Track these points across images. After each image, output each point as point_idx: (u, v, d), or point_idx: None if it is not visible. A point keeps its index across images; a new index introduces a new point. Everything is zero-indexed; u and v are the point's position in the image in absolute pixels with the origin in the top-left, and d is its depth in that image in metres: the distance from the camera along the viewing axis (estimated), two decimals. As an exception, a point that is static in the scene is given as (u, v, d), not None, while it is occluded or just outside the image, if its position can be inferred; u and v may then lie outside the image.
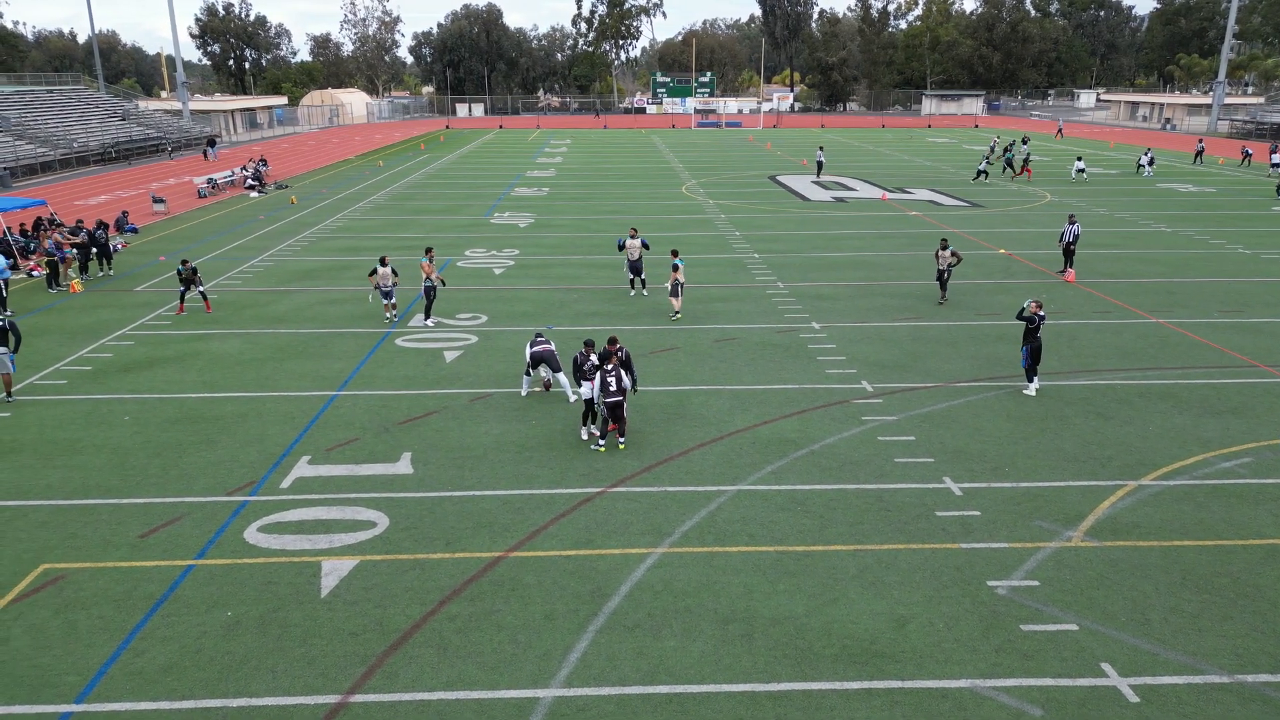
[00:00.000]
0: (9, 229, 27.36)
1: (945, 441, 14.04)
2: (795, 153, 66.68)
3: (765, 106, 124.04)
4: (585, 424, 14.37)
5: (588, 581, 10.25)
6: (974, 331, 20.23)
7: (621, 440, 13.88)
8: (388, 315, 21.08)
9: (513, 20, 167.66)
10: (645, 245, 23.49)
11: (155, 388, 16.63)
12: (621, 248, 23.52)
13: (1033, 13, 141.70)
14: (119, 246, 29.47)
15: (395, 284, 21.00)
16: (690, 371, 17.54)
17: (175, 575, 10.35)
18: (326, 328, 20.64)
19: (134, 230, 32.65)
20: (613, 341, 13.99)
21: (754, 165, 58.06)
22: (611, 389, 13.48)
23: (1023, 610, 9.64)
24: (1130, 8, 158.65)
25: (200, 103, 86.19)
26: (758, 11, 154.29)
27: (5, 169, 43.41)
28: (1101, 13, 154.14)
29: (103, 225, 26.30)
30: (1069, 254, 25.38)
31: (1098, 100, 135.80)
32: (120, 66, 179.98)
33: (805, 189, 45.71)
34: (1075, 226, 25.24)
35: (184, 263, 21.60)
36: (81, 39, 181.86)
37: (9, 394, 15.98)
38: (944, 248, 22.52)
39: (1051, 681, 8.53)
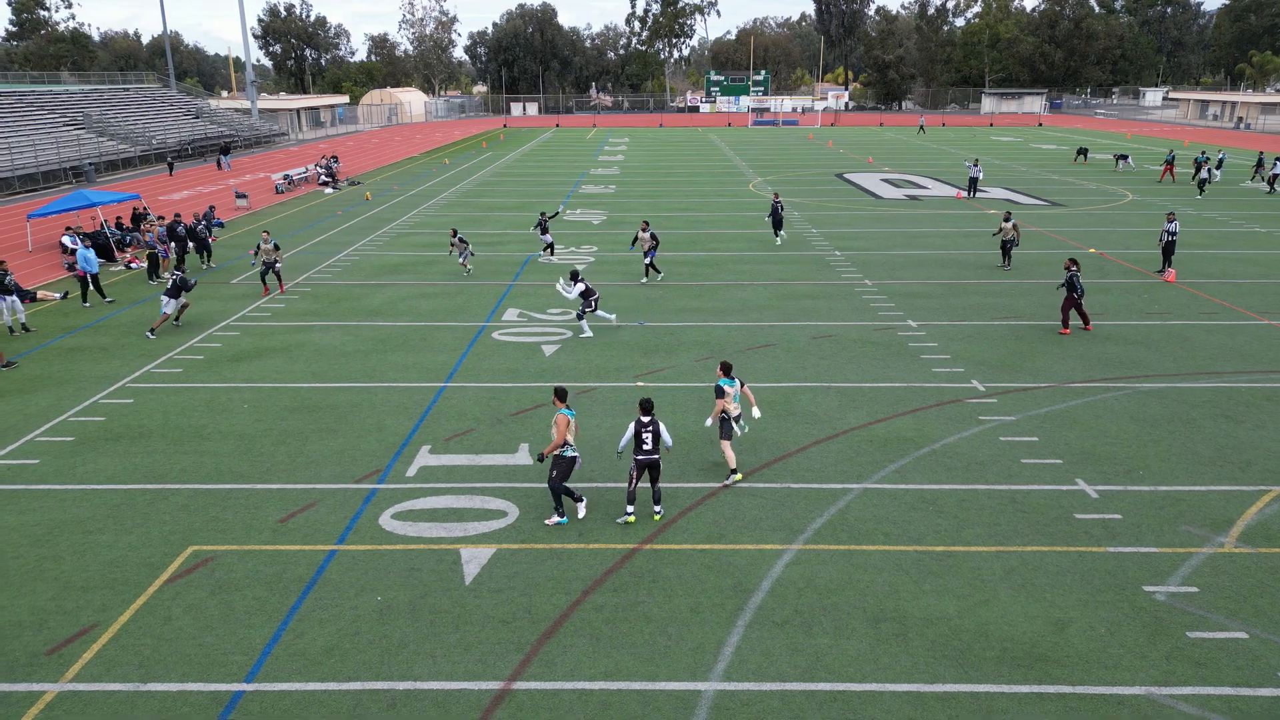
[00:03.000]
0: (105, 222, 28.16)
1: (1070, 443, 13.69)
2: (858, 150, 65.94)
3: (822, 105, 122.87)
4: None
5: (727, 576, 10.17)
6: (1078, 331, 19.73)
7: (659, 510, 11.53)
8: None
9: (566, 19, 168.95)
10: (655, 239, 24.55)
11: (268, 377, 16.95)
12: (635, 241, 24.89)
13: (1097, 9, 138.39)
14: (212, 240, 30.20)
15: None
16: (792, 368, 17.37)
17: (320, 560, 10.51)
18: (422, 320, 20.87)
19: (220, 225, 33.36)
20: (647, 407, 11.39)
21: (818, 163, 57.53)
22: (646, 446, 11.31)
23: (1186, 617, 9.33)
24: (1198, 4, 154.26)
25: (266, 101, 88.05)
26: (810, 10, 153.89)
27: (89, 164, 44.72)
28: (1168, 9, 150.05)
29: (205, 220, 26.97)
30: (1168, 253, 24.66)
31: (1164, 99, 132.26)
32: (183, 67, 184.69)
33: (876, 187, 45.14)
34: (1174, 225, 24.50)
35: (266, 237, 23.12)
36: (146, 40, 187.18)
37: (152, 331, 19.49)
38: (1006, 219, 25.75)
39: (1231, 691, 8.23)
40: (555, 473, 11.16)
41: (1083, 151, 56.60)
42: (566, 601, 9.68)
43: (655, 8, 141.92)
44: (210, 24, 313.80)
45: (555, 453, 11.10)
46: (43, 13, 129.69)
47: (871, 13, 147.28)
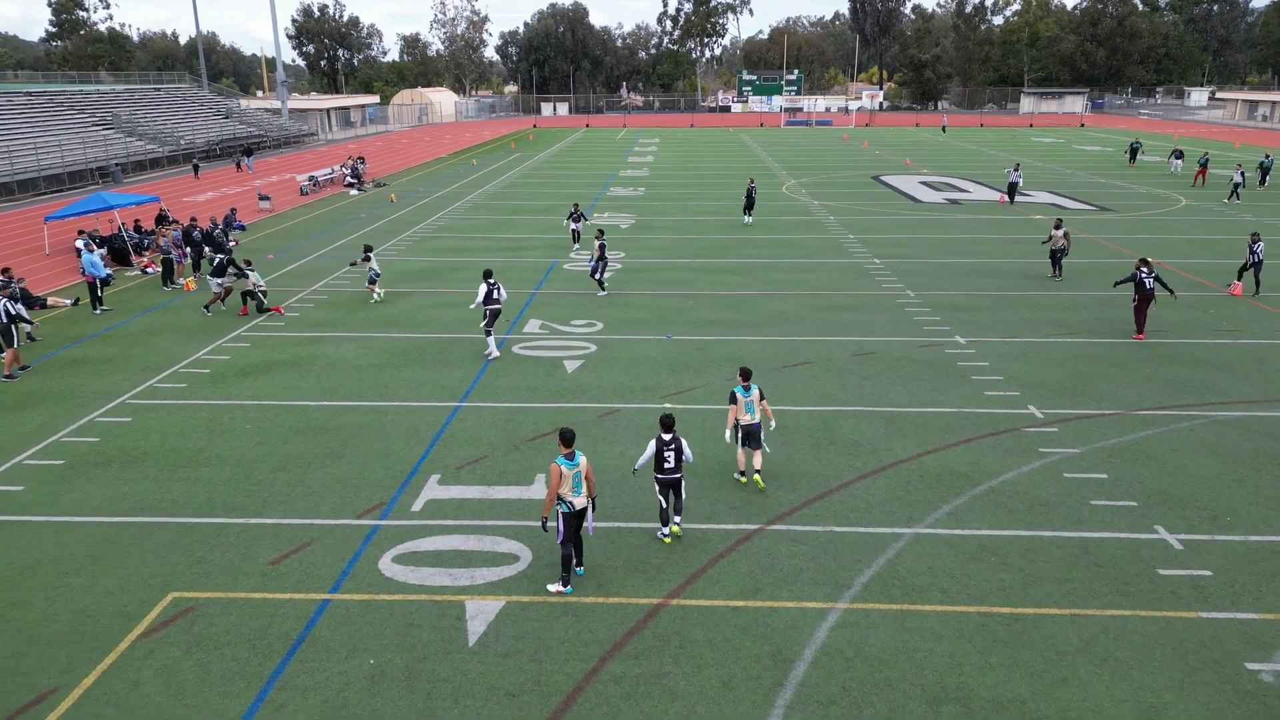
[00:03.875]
0: (123, 225, 27.55)
1: (1145, 481, 12.33)
2: (895, 152, 64.24)
3: (855, 104, 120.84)
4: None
5: (764, 641, 9.00)
6: (1143, 350, 18.28)
7: (678, 521, 10.95)
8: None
9: (598, 19, 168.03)
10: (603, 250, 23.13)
11: (274, 394, 16.03)
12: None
13: (1140, 7, 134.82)
14: (232, 244, 29.50)
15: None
16: (832, 390, 16.12)
17: (310, 611, 9.49)
18: (440, 332, 19.88)
19: (242, 228, 32.72)
20: (668, 424, 10.75)
21: (853, 165, 55.99)
22: (668, 465, 10.65)
23: (1302, 705, 8.02)
24: (1245, 1, 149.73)
25: (297, 101, 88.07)
26: (843, 8, 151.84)
27: (117, 165, 44.46)
28: (1215, 6, 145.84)
29: (224, 224, 26.25)
30: (1245, 271, 22.82)
31: (1210, 99, 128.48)
32: (219, 67, 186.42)
33: (914, 190, 43.59)
34: (1259, 246, 22.49)
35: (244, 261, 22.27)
36: (184, 40, 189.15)
37: (207, 307, 21.12)
38: (1057, 227, 24.36)
39: (1367, 806, 6.92)
40: (561, 534, 9.80)
41: (1134, 151, 54.29)
42: (581, 670, 8.57)
43: (687, 7, 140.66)
44: (248, 25, 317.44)
45: (555, 507, 9.82)
46: (81, 13, 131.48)
47: (907, 11, 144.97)
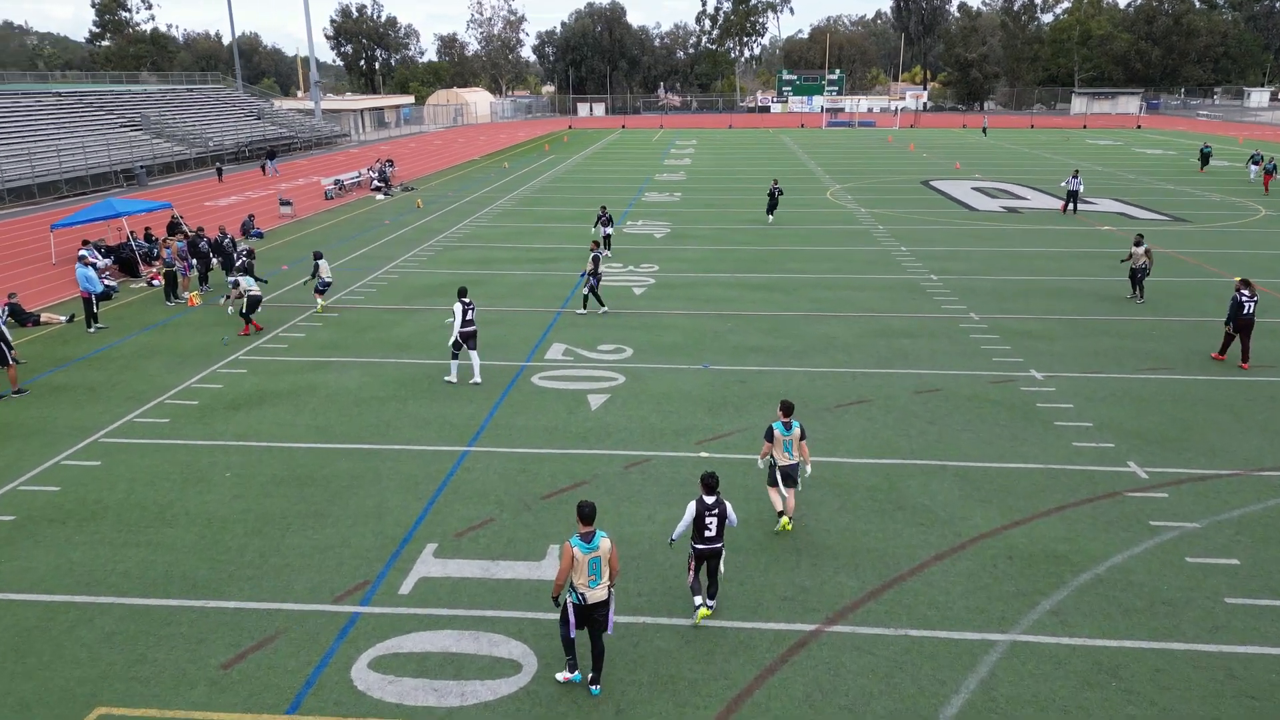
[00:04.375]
0: (132, 234, 26.21)
1: (1289, 572, 10.11)
2: (943, 155, 61.50)
3: (900, 105, 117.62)
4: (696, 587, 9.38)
5: (828, 801, 6.99)
6: (1254, 390, 15.92)
7: (711, 604, 9.34)
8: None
9: (635, 18, 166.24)
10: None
11: (263, 432, 14.32)
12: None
13: (1198, 4, 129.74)
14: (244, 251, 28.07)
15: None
16: (894, 437, 14.03)
17: (260, 741, 7.68)
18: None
19: (259, 235, 31.35)
20: (711, 485, 9.03)
21: (900, 169, 53.45)
22: (709, 533, 9.03)
23: None
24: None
25: (331, 102, 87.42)
26: (885, 7, 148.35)
27: (141, 168, 43.50)
28: (1276, 4, 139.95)
29: (240, 233, 24.76)
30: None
31: (1272, 99, 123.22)
32: (261, 67, 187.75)
33: (967, 196, 41.08)
34: None
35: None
36: (226, 40, 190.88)
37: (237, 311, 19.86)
38: (1138, 244, 22.01)
39: None
40: (569, 624, 8.13)
41: (1205, 157, 50.91)
42: (592, 844, 6.64)
43: (727, 6, 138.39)
44: (291, 26, 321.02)
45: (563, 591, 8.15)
46: (124, 14, 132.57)
47: (953, 9, 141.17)
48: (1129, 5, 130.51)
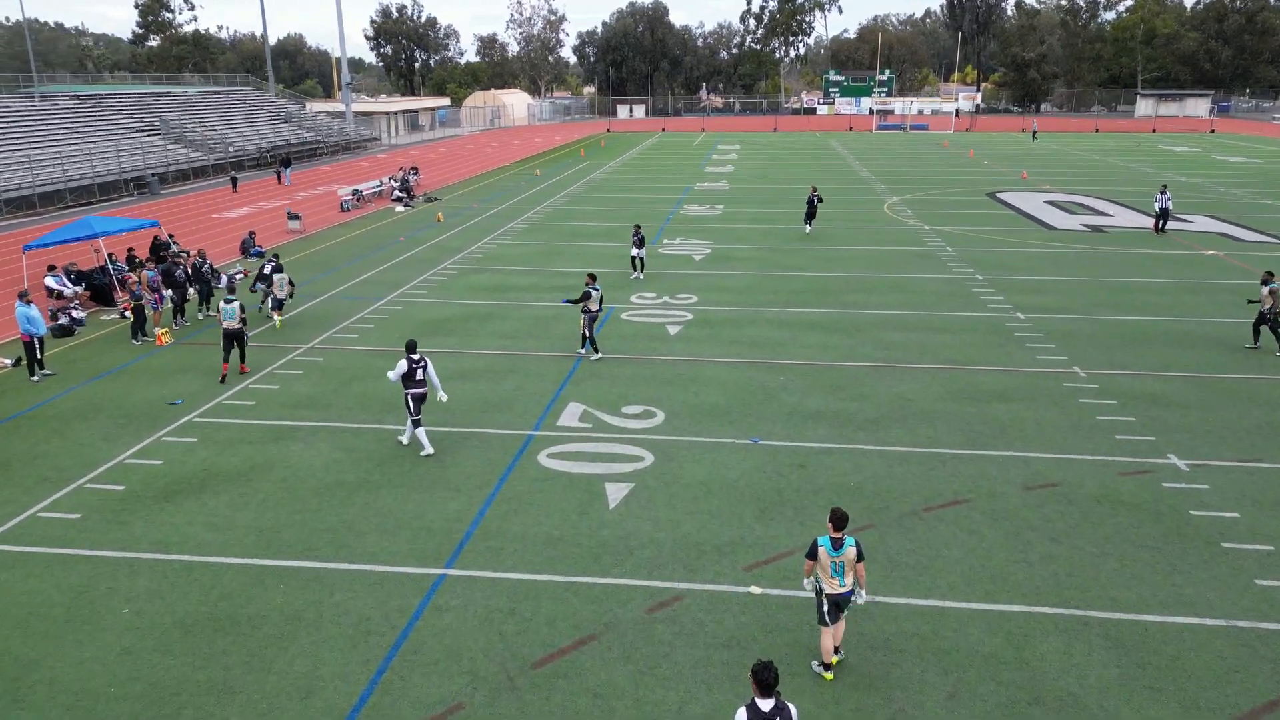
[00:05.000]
0: (111, 256, 23.51)
1: None
2: (1006, 162, 57.21)
3: (955, 107, 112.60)
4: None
5: None
6: None
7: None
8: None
9: (678, 18, 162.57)
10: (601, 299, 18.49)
11: (190, 539, 11.25)
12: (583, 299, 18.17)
13: (1273, 1, 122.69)
14: (240, 275, 25.29)
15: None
16: (1008, 565, 10.53)
17: None
18: (448, 424, 14.88)
19: (260, 254, 28.58)
20: (768, 683, 6.21)
21: (961, 177, 49.40)
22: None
23: None
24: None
25: (363, 104, 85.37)
26: (934, 5, 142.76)
27: (154, 175, 41.20)
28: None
29: (240, 252, 21.90)
30: None
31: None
32: (305, 68, 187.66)
33: (1041, 211, 37.07)
34: None
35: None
36: (272, 42, 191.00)
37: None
38: (1265, 283, 18.33)
39: None
40: None
41: None
42: None
43: (772, 4, 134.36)
44: (334, 27, 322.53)
45: None
46: (167, 15, 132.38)
47: (1009, 7, 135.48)
48: (1197, 3, 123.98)
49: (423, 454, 13.58)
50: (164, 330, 19.49)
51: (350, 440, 14.30)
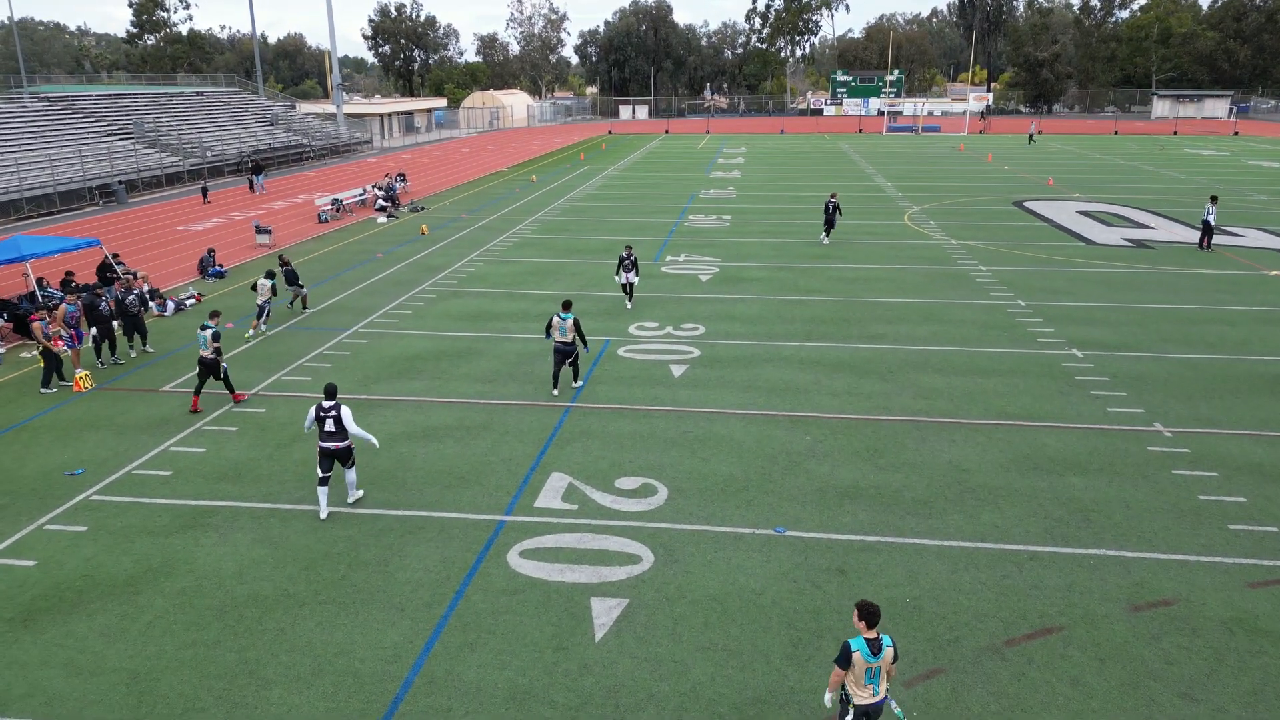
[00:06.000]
0: (41, 281, 20.78)
1: None
2: (1027, 167, 54.31)
3: (963, 107, 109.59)
4: None
5: None
6: None
7: None
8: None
9: (681, 17, 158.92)
10: (577, 326, 15.68)
11: (39, 692, 8.48)
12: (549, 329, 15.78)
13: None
14: (192, 300, 22.58)
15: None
16: (1135, 742, 7.76)
17: None
18: (404, 505, 12.09)
19: (220, 274, 25.86)
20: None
21: (983, 184, 46.52)
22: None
23: None
24: None
25: (356, 106, 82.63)
26: (941, 5, 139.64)
27: (120, 183, 38.45)
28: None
29: (147, 298, 19.12)
30: None
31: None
32: (305, 68, 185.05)
33: (1075, 223, 34.20)
34: None
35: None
36: (272, 41, 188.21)
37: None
38: None
39: None
40: None
41: None
42: None
43: (778, 3, 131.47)
44: (340, 27, 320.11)
45: None
46: (162, 14, 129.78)
47: (1020, 6, 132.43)
48: (1214, 2, 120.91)
49: (321, 517, 11.13)
50: (84, 374, 16.71)
51: (277, 529, 11.52)
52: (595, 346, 18.97)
